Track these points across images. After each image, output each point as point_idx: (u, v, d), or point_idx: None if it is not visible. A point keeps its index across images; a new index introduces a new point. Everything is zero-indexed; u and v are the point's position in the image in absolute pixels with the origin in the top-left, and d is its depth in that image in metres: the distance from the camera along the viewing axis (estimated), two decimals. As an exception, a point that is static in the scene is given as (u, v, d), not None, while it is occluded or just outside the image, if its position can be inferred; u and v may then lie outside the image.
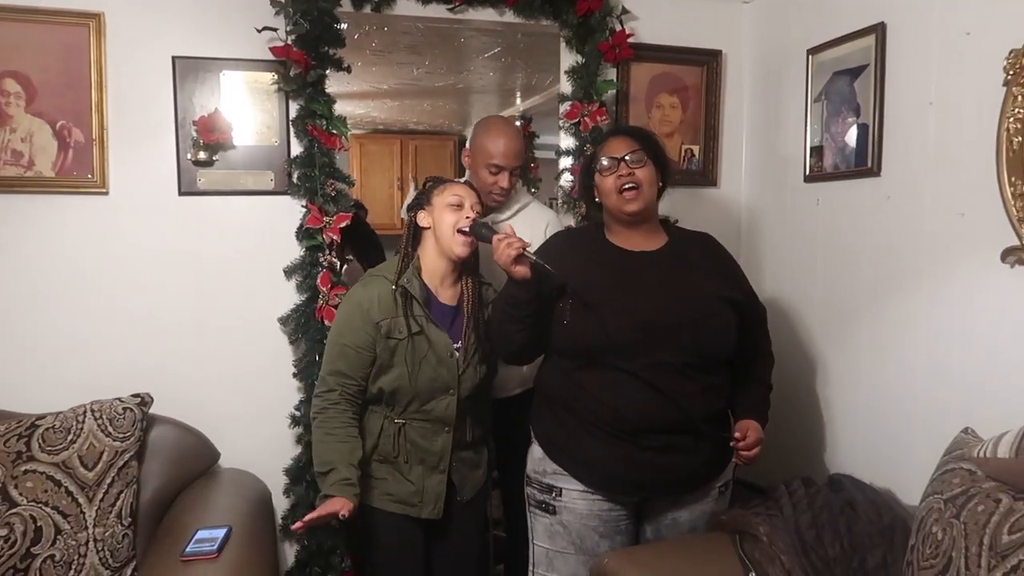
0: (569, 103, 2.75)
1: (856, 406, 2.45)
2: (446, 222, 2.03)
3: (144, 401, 2.22)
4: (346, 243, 3.37)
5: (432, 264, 2.08)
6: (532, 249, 1.88)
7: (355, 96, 5.38)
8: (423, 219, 2.08)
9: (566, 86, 2.80)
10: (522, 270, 1.82)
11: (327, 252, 2.49)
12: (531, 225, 2.38)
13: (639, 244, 1.99)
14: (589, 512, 1.92)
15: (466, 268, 2.11)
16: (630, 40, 2.76)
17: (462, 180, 2.20)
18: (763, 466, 2.08)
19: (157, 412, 2.33)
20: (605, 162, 1.95)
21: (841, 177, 2.49)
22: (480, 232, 1.99)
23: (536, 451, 2.03)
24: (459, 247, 2.02)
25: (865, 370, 2.41)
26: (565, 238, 2.17)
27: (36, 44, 2.29)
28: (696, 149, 2.99)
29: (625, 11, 2.77)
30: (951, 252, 2.08)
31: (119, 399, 2.19)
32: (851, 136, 2.44)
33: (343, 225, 2.48)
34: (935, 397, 2.13)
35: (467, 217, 2.02)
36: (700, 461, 1.91)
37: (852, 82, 2.43)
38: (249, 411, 2.54)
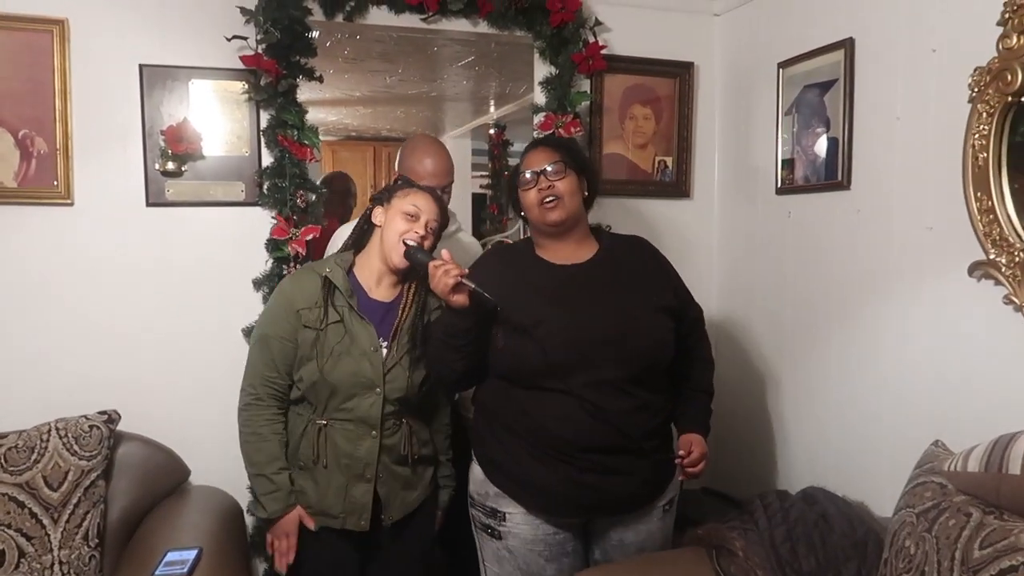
0: (543, 114, 2.75)
1: (827, 419, 2.47)
2: (395, 228, 1.94)
3: (111, 418, 2.17)
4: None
5: (371, 263, 2.00)
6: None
7: (327, 103, 5.34)
8: (377, 215, 2.00)
9: (540, 97, 2.80)
10: (460, 299, 1.76)
11: (293, 264, 2.46)
12: (464, 250, 2.38)
13: (568, 256, 1.95)
14: (534, 537, 1.87)
15: (412, 274, 2.01)
16: (603, 52, 2.76)
17: (435, 189, 2.11)
18: (736, 478, 2.09)
19: (125, 429, 2.29)
20: (527, 175, 1.92)
21: (812, 190, 2.52)
22: (416, 257, 1.90)
23: (477, 472, 1.97)
24: (397, 257, 1.93)
25: (836, 383, 2.43)
26: (498, 256, 2.12)
27: (-3, 51, 2.24)
28: (669, 160, 3.00)
29: (598, 23, 2.78)
30: (920, 265, 2.11)
31: (85, 416, 2.14)
32: (821, 149, 2.47)
33: (309, 238, 2.45)
34: (905, 410, 2.16)
35: (416, 232, 1.93)
36: (641, 480, 1.88)
37: (822, 95, 2.46)
38: (219, 426, 2.43)
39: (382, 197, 2.02)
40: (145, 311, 2.43)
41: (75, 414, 2.19)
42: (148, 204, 2.42)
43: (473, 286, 1.75)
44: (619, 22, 2.86)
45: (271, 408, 1.95)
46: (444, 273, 1.76)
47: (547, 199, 1.88)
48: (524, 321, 1.81)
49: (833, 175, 2.41)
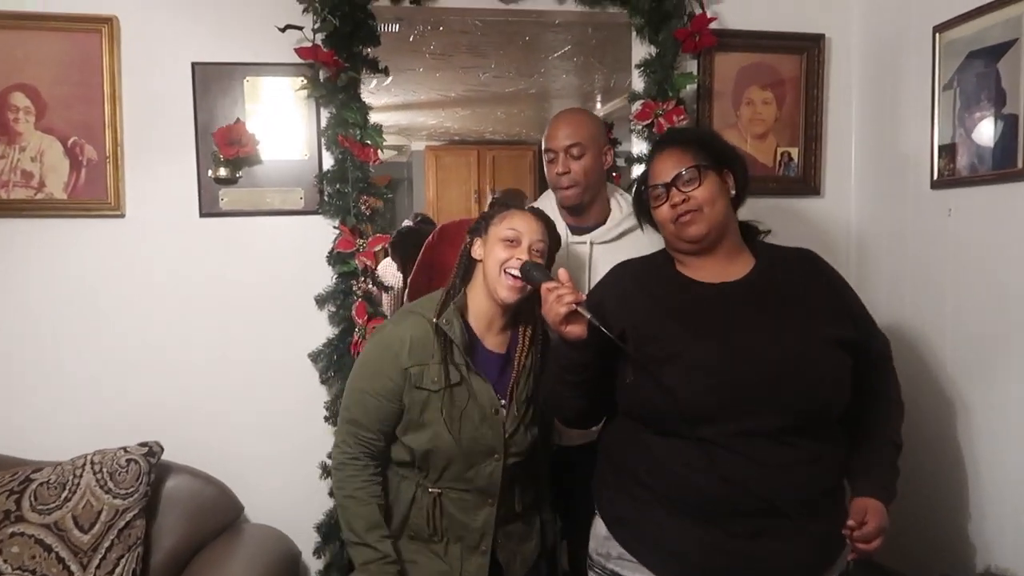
0: (640, 102, 2.36)
1: (1008, 473, 1.95)
2: (495, 258, 1.70)
3: (152, 451, 1.98)
4: (405, 261, 3.10)
5: (479, 304, 1.76)
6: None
7: (424, 105, 5.14)
8: (476, 249, 1.76)
9: (638, 82, 2.42)
10: (576, 329, 1.46)
11: (362, 279, 2.19)
12: (640, 250, 1.94)
13: (717, 273, 1.58)
14: None
15: (523, 314, 1.79)
16: (713, 26, 2.34)
17: (533, 206, 1.86)
18: (889, 552, 1.63)
19: (173, 459, 2.10)
20: (657, 189, 1.58)
21: (980, 181, 2.01)
22: (531, 275, 1.64)
23: (600, 528, 1.64)
24: (504, 290, 1.68)
25: (1018, 424, 1.91)
26: (629, 272, 1.75)
27: (45, 54, 2.10)
28: (794, 152, 2.54)
29: (707, -9, 2.37)
30: None
31: (124, 449, 1.96)
32: (992, 131, 1.95)
33: (377, 248, 2.18)
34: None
35: (518, 259, 1.67)
36: (802, 551, 1.48)
37: (994, 63, 1.95)
38: (276, 459, 2.26)
39: (479, 228, 1.78)
40: (198, 330, 2.24)
41: (121, 441, 2.03)
42: (201, 214, 2.22)
43: (589, 316, 1.44)
44: (733, -9, 2.43)
45: (368, 469, 1.72)
46: (556, 299, 1.46)
47: (682, 214, 1.54)
48: (657, 355, 1.47)
49: (1010, 162, 1.90)
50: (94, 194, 2.15)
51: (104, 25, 2.12)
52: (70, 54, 2.11)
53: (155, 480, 1.99)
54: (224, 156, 2.16)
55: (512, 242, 1.69)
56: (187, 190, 2.21)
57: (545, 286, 1.50)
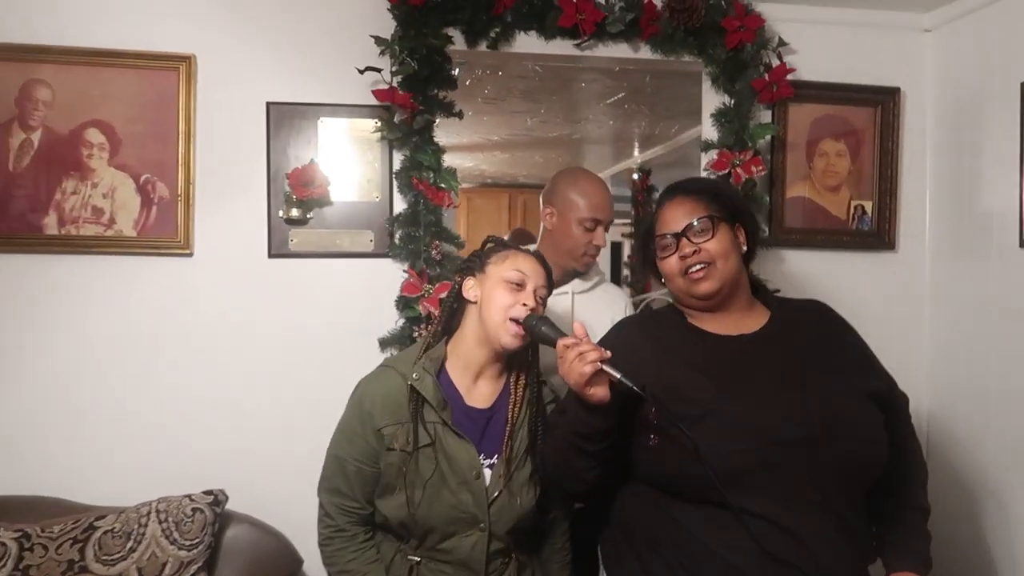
0: (715, 152, 2.32)
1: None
2: (498, 302, 1.54)
3: (217, 500, 1.90)
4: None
5: (468, 351, 1.59)
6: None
7: (464, 148, 5.14)
8: (470, 289, 1.60)
9: (710, 131, 2.38)
10: (600, 392, 1.33)
11: (423, 325, 2.13)
12: (611, 304, 2.04)
13: (732, 326, 1.49)
14: None
15: (517, 361, 1.62)
16: (789, 77, 2.32)
17: (531, 249, 1.73)
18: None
19: (234, 508, 2.02)
20: (665, 239, 1.49)
21: (1078, 241, 1.95)
22: (538, 331, 1.48)
23: None
24: (507, 337, 1.53)
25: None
26: (638, 325, 1.64)
27: (121, 91, 2.08)
28: (868, 205, 2.49)
29: (782, 43, 2.34)
30: None
31: (189, 497, 1.88)
32: (1093, 189, 1.90)
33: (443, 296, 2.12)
34: None
35: (524, 304, 1.53)
36: None
37: (1093, 121, 1.90)
38: (336, 509, 2.17)
39: (472, 266, 1.63)
40: (262, 372, 2.18)
41: (181, 486, 1.97)
42: (271, 255, 2.18)
43: (619, 376, 1.32)
44: (806, 42, 2.41)
45: (357, 538, 1.59)
46: (579, 358, 1.32)
47: (693, 267, 1.45)
48: (689, 413, 1.35)
49: (1113, 222, 1.84)
50: (164, 232, 2.11)
51: (182, 63, 2.10)
52: (146, 92, 2.10)
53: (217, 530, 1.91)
54: (297, 197, 2.13)
55: (517, 285, 1.54)
56: (257, 230, 2.17)
57: (562, 343, 1.37)
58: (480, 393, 1.60)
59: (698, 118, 2.51)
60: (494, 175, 6.28)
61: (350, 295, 2.22)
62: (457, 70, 2.25)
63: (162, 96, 2.10)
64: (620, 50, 2.34)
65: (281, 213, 2.17)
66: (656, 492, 1.43)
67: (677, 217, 1.49)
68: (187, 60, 2.11)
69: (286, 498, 2.13)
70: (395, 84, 2.13)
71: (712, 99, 2.39)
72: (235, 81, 2.16)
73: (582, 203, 1.99)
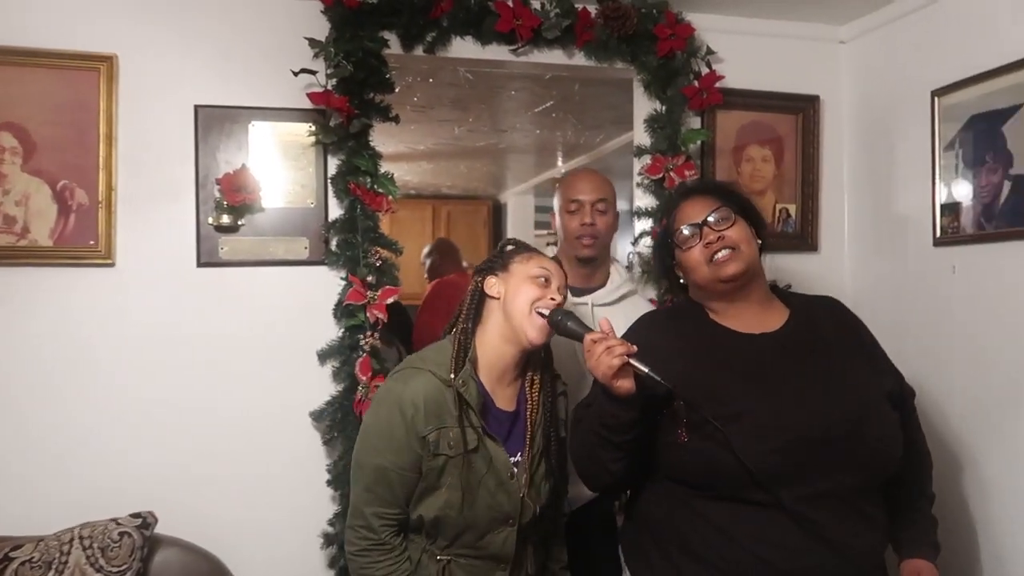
0: (649, 156, 2.37)
1: (1000, 540, 1.96)
2: (524, 295, 1.57)
3: (146, 523, 1.80)
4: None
5: (493, 351, 1.60)
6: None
7: (389, 158, 5.06)
8: (493, 286, 1.62)
9: (642, 137, 2.43)
10: (626, 384, 1.36)
11: (370, 333, 2.09)
12: (634, 317, 1.98)
13: (753, 323, 1.53)
14: None
15: (532, 361, 1.66)
16: (717, 85, 2.39)
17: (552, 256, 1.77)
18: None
19: (163, 531, 1.91)
20: (685, 231, 1.52)
21: (988, 239, 2.07)
22: (564, 325, 1.51)
23: None
24: (533, 331, 1.56)
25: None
26: (664, 321, 1.67)
27: (38, 92, 1.96)
28: (792, 208, 2.58)
29: (711, 51, 2.41)
30: None
31: (116, 521, 1.78)
32: (1000, 190, 2.03)
33: (390, 301, 2.08)
34: None
35: (552, 299, 1.57)
36: None
37: (998, 126, 2.03)
38: (273, 527, 2.09)
39: (494, 265, 1.66)
40: (191, 388, 2.08)
41: (107, 512, 1.86)
42: (199, 264, 2.09)
43: (647, 370, 1.35)
44: (732, 52, 2.49)
45: (395, 550, 1.56)
46: (607, 351, 1.35)
47: (719, 252, 1.48)
48: (721, 411, 1.38)
49: (1020, 220, 1.97)
50: (83, 241, 1.99)
51: (103, 64, 2.00)
52: (64, 93, 1.98)
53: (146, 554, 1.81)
54: (229, 203, 2.05)
55: (544, 281, 1.59)
56: (184, 238, 2.08)
57: (590, 337, 1.41)
58: (505, 396, 1.63)
59: (623, 127, 2.57)
60: (418, 186, 6.23)
61: (285, 305, 2.15)
62: (392, 74, 2.22)
63: (81, 98, 1.99)
64: (556, 56, 2.36)
65: (211, 220, 2.08)
66: (682, 488, 1.46)
67: (696, 210, 1.53)
68: (108, 60, 2.00)
69: (219, 518, 2.05)
70: (330, 87, 2.08)
71: (644, 105, 2.44)
72: (161, 83, 2.06)
73: (564, 191, 2.05)
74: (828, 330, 1.55)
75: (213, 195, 2.08)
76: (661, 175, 2.33)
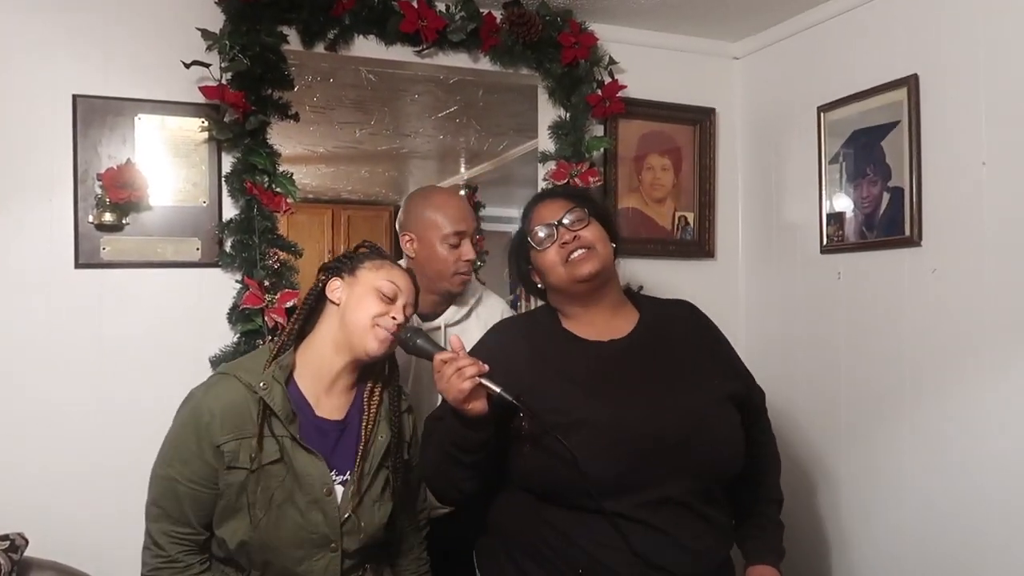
0: (554, 163, 2.39)
1: (899, 533, 2.08)
2: (365, 310, 1.46)
3: (15, 545, 1.65)
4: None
5: (321, 358, 1.49)
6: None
7: (287, 160, 4.90)
8: (335, 290, 1.50)
9: (547, 143, 2.45)
10: (478, 406, 1.32)
11: (268, 338, 2.00)
12: (487, 323, 1.89)
13: (603, 330, 1.53)
14: None
15: (371, 370, 1.54)
16: (619, 94, 2.43)
17: (411, 270, 1.66)
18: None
19: (36, 554, 1.75)
20: (541, 232, 1.52)
21: (869, 247, 2.19)
22: (413, 343, 1.43)
23: None
24: (373, 343, 1.45)
25: (912, 481, 2.05)
26: (513, 330, 1.64)
27: None
28: (690, 216, 2.66)
29: (613, 61, 2.46)
30: (1015, 335, 1.78)
31: (-21, 544, 1.61)
32: (879, 201, 2.15)
33: (289, 305, 2.00)
34: (1009, 510, 1.78)
35: (393, 317, 1.46)
36: None
37: (879, 141, 2.16)
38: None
39: (342, 267, 1.53)
40: (71, 399, 1.93)
41: (-31, 537, 1.67)
42: (77, 265, 1.94)
43: (499, 390, 1.31)
44: (634, 62, 2.54)
45: (191, 568, 1.43)
46: (457, 374, 1.30)
47: (575, 252, 1.48)
48: (563, 422, 1.37)
49: (897, 230, 2.09)
50: (-57, 239, 1.82)
51: (-33, 46, 1.84)
52: (-79, 76, 1.81)
53: (15, 581, 1.66)
54: (112, 200, 1.91)
55: (389, 298, 1.48)
56: (60, 237, 1.93)
57: (439, 357, 1.34)
58: (332, 404, 1.50)
59: (526, 135, 2.59)
60: (317, 190, 6.07)
61: (174, 309, 2.03)
62: (292, 71, 2.15)
63: (-59, 82, 1.82)
64: (460, 59, 2.34)
65: (91, 218, 1.94)
66: (532, 497, 1.44)
67: (551, 212, 1.53)
68: (-27, 43, 1.84)
69: (98, 539, 1.91)
70: (225, 81, 1.99)
71: (548, 112, 2.46)
72: (33, 68, 1.91)
73: (440, 219, 1.88)
74: (677, 334, 1.57)
75: (94, 191, 1.94)
76: (566, 180, 2.34)
